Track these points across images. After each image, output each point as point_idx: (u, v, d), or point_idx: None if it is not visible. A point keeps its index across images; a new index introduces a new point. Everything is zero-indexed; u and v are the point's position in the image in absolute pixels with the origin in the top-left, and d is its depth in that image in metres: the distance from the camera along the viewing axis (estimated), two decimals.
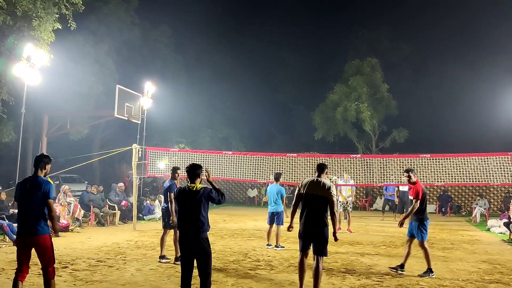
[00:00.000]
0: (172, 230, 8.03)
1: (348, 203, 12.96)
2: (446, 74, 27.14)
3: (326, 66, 31.20)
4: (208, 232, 5.04)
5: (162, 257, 8.06)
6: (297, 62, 31.45)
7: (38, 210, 4.92)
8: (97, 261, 7.96)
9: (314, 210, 5.93)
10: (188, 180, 5.18)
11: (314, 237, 5.91)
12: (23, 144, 13.12)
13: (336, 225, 6.17)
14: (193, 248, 4.92)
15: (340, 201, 12.88)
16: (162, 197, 16.63)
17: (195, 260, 4.97)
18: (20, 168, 12.21)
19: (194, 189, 5.05)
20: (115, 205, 14.36)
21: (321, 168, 6.26)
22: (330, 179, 13.23)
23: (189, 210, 5.02)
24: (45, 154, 5.38)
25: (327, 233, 5.92)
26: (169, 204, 7.86)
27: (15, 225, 10.07)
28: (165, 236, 8.19)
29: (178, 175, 8.35)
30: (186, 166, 5.31)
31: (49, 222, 5.06)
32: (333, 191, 6.01)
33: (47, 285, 4.95)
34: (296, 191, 6.25)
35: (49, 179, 13.83)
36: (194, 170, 5.16)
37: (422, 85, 27.90)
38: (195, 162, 5.36)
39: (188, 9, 28.37)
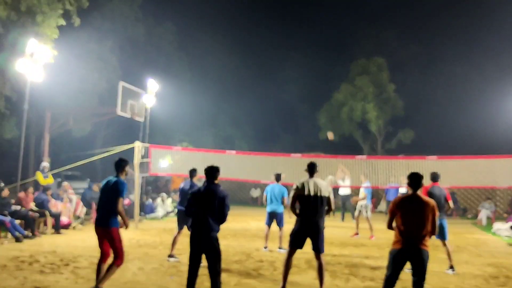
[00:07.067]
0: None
1: (363, 206, 12.06)
2: (454, 75, 26.84)
3: (332, 65, 30.99)
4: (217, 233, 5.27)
5: (170, 256, 7.96)
6: (303, 61, 31.26)
7: (111, 206, 5.54)
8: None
9: (312, 209, 5.98)
10: (206, 180, 5.42)
11: (311, 231, 5.94)
12: (25, 141, 13.05)
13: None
14: (203, 245, 5.16)
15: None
16: (165, 195, 16.70)
17: (202, 259, 5.23)
18: (22, 164, 12.11)
19: (211, 189, 5.31)
20: None
21: (312, 168, 6.23)
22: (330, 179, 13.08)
23: (203, 209, 5.23)
24: (122, 158, 5.89)
25: (322, 225, 6.02)
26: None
27: (18, 221, 10.00)
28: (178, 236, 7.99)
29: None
30: (205, 167, 5.51)
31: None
32: (330, 188, 6.12)
33: (109, 267, 5.58)
34: (292, 193, 6.22)
35: (50, 176, 13.51)
36: (213, 172, 5.44)
37: (429, 86, 27.58)
38: (213, 165, 5.53)
39: (193, 7, 28.18)
